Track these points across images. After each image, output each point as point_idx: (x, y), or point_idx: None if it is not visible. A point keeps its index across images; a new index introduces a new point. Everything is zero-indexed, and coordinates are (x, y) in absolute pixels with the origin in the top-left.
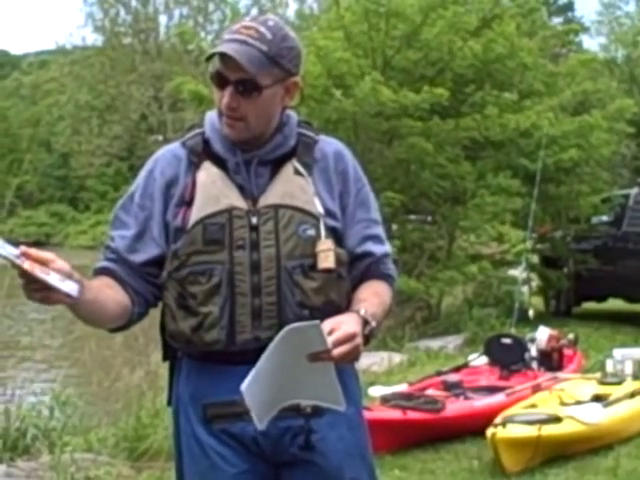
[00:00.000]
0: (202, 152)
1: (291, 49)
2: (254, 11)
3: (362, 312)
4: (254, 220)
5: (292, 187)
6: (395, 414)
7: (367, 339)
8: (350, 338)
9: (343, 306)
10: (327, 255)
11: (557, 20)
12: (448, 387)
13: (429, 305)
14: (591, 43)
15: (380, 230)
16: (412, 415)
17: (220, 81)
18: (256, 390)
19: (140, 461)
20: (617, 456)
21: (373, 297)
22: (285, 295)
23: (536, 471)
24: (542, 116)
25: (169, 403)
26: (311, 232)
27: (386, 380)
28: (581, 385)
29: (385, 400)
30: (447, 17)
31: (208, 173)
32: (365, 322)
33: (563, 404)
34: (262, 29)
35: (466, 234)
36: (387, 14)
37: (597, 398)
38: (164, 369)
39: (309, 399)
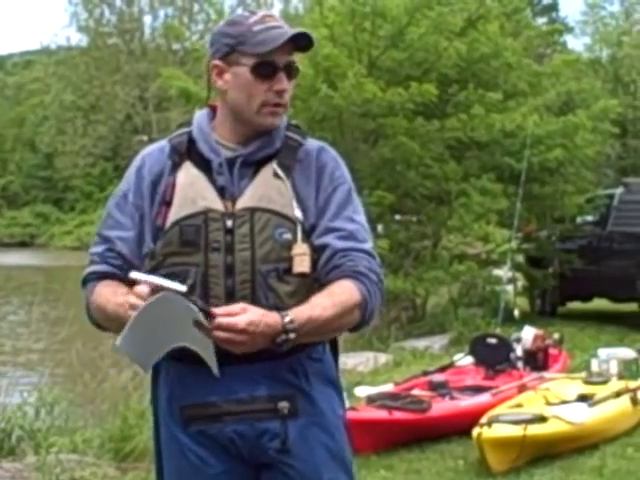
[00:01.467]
0: (185, 152)
1: None
2: (239, 11)
3: (286, 319)
4: (229, 223)
5: (270, 190)
6: (381, 414)
7: (283, 343)
8: (233, 330)
9: None
10: (302, 259)
11: (541, 20)
12: (434, 387)
13: (415, 305)
14: (575, 43)
15: (353, 227)
16: (398, 415)
17: (269, 69)
18: (134, 342)
19: (126, 462)
20: (603, 455)
21: (324, 299)
22: (259, 299)
23: (522, 471)
24: (527, 117)
25: (152, 403)
26: (287, 236)
27: (372, 380)
28: (566, 385)
29: (371, 400)
30: (432, 17)
31: (187, 174)
32: (284, 331)
33: (549, 404)
34: (278, 16)
35: (452, 234)
36: (373, 14)
37: (582, 398)
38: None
39: (191, 346)
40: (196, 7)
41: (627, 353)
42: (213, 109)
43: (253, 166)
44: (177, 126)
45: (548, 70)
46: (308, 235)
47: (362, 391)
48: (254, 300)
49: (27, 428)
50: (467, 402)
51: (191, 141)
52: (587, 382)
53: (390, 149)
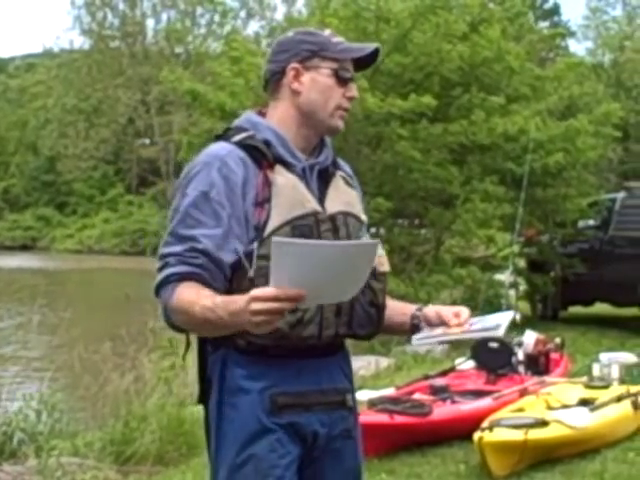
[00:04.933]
0: (270, 155)
1: None
2: (242, 14)
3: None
4: (335, 224)
5: (349, 197)
6: (382, 418)
7: None
8: None
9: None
10: (383, 260)
11: (543, 24)
12: (435, 391)
13: None
14: (578, 47)
15: None
16: (399, 419)
17: (348, 75)
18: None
19: (127, 465)
20: (604, 460)
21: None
22: (358, 295)
23: (523, 475)
24: (529, 121)
25: (202, 401)
26: (365, 238)
27: (373, 384)
28: (568, 389)
29: (372, 404)
30: (436, 23)
31: (285, 177)
32: None
33: (550, 408)
34: None
35: (454, 238)
36: (377, 19)
37: (584, 402)
38: (153, 374)
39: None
40: (199, 10)
41: (628, 358)
42: (260, 114)
43: (320, 173)
44: (225, 129)
45: (550, 74)
46: None
47: (363, 395)
48: (353, 297)
49: (28, 431)
50: (468, 406)
51: (266, 145)
52: (588, 386)
53: (391, 155)
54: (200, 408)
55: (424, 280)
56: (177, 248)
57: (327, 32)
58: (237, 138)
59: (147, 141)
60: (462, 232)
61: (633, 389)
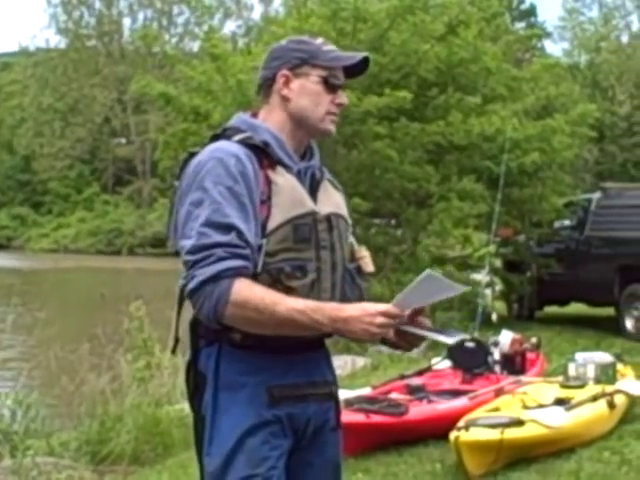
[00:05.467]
0: (270, 156)
1: None
2: (219, 13)
3: None
4: (332, 223)
5: (337, 200)
6: (358, 417)
7: None
8: None
9: None
10: (369, 261)
11: (520, 25)
12: (411, 391)
13: None
14: (554, 48)
15: None
16: (375, 418)
17: (338, 82)
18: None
19: (102, 465)
20: (579, 459)
21: None
22: (346, 293)
23: (499, 474)
24: (506, 121)
25: (193, 396)
26: (351, 239)
27: (349, 383)
28: (544, 388)
29: (348, 404)
30: (414, 23)
31: (285, 178)
32: None
33: (526, 407)
34: None
35: (430, 238)
36: (354, 18)
37: (559, 401)
38: (129, 374)
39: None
40: (175, 9)
41: (604, 357)
42: (253, 116)
43: (312, 177)
44: (223, 130)
45: (527, 75)
46: None
47: (340, 395)
48: (343, 294)
49: (3, 431)
50: (444, 406)
51: (265, 146)
52: (564, 386)
53: (367, 154)
54: (177, 408)
55: (400, 280)
56: (222, 238)
57: (319, 40)
58: (237, 138)
59: (123, 140)
60: (438, 232)
61: (608, 389)
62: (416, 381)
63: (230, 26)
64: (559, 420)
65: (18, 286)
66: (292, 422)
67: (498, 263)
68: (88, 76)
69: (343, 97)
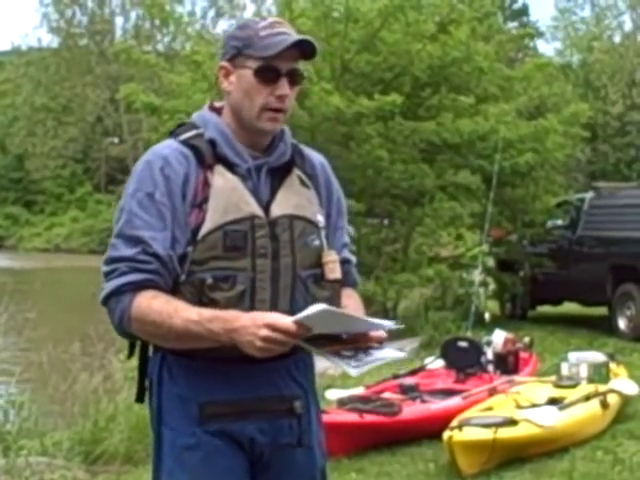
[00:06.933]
0: (213, 155)
1: None
2: (211, 13)
3: None
4: (275, 229)
5: (301, 198)
6: (352, 417)
7: None
8: None
9: None
10: (335, 266)
11: (512, 25)
12: (404, 390)
13: (385, 308)
14: (546, 48)
15: (349, 240)
16: (369, 418)
17: (272, 74)
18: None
19: (96, 465)
20: (572, 459)
21: (359, 309)
22: (298, 303)
23: (492, 474)
24: (499, 120)
25: (140, 400)
26: (317, 242)
27: (343, 383)
28: (537, 388)
29: (342, 403)
30: (405, 22)
31: (225, 178)
32: None
33: (519, 407)
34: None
35: (423, 237)
36: (345, 18)
37: (552, 401)
38: (121, 373)
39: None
40: (167, 8)
41: (597, 357)
42: (215, 110)
43: (273, 172)
44: (178, 125)
45: (519, 74)
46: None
47: (333, 394)
48: (292, 304)
49: None
50: (438, 405)
51: (211, 143)
52: (557, 386)
53: (360, 155)
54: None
55: (392, 279)
56: (127, 252)
57: (262, 23)
58: (184, 136)
59: (116, 139)
60: (428, 232)
61: (601, 388)
62: (409, 381)
63: (222, 25)
64: (552, 420)
65: (10, 285)
66: (234, 439)
67: (491, 262)
68: (80, 75)
69: (283, 88)
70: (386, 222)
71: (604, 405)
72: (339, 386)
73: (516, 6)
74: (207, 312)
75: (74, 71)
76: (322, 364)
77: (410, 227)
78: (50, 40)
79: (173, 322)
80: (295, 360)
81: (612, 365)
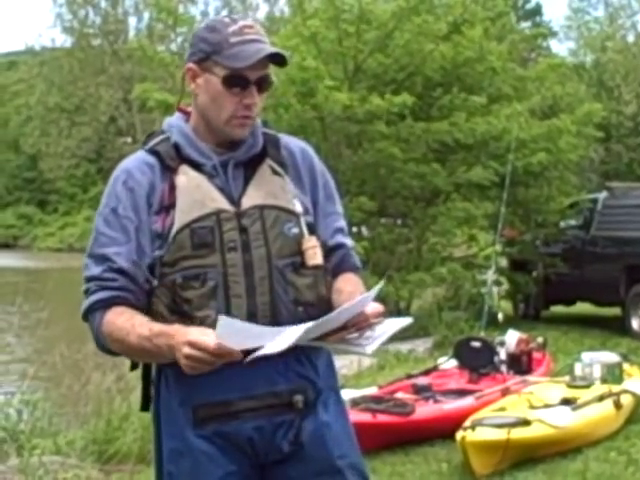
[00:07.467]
0: (176, 157)
1: None
2: (224, 13)
3: None
4: (243, 222)
5: (273, 187)
6: (365, 417)
7: None
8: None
9: (328, 298)
10: (314, 252)
11: (525, 25)
12: (418, 390)
13: (398, 308)
14: (560, 48)
15: (344, 222)
16: (382, 418)
17: (240, 82)
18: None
19: (109, 464)
20: (586, 459)
21: (356, 292)
22: (278, 294)
23: (505, 474)
24: (512, 120)
25: (145, 409)
26: (295, 230)
27: (355, 383)
28: (550, 388)
29: (355, 403)
30: (418, 23)
31: (188, 177)
32: None
33: (532, 407)
34: (259, 27)
35: (437, 237)
36: (358, 20)
37: (566, 401)
38: (134, 373)
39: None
40: (180, 9)
41: (610, 357)
42: (185, 113)
43: (243, 166)
44: (147, 135)
45: (532, 74)
46: (310, 228)
47: (346, 394)
48: (273, 295)
49: (10, 430)
50: (451, 405)
51: (175, 147)
52: (570, 386)
53: (372, 154)
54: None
55: (405, 278)
56: (95, 270)
57: (232, 28)
58: (150, 144)
59: (129, 139)
60: (442, 231)
61: (615, 388)
62: (422, 381)
63: None
64: (565, 420)
65: (24, 285)
66: (231, 442)
67: (504, 262)
68: (94, 75)
69: (252, 97)
70: (399, 222)
71: (617, 405)
72: (352, 386)
73: (529, 6)
74: (157, 327)
75: (87, 71)
76: (335, 363)
77: (424, 227)
78: (64, 40)
79: (130, 339)
80: (296, 353)
81: (626, 365)
